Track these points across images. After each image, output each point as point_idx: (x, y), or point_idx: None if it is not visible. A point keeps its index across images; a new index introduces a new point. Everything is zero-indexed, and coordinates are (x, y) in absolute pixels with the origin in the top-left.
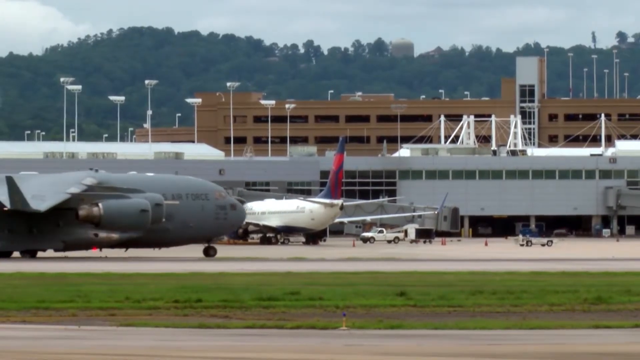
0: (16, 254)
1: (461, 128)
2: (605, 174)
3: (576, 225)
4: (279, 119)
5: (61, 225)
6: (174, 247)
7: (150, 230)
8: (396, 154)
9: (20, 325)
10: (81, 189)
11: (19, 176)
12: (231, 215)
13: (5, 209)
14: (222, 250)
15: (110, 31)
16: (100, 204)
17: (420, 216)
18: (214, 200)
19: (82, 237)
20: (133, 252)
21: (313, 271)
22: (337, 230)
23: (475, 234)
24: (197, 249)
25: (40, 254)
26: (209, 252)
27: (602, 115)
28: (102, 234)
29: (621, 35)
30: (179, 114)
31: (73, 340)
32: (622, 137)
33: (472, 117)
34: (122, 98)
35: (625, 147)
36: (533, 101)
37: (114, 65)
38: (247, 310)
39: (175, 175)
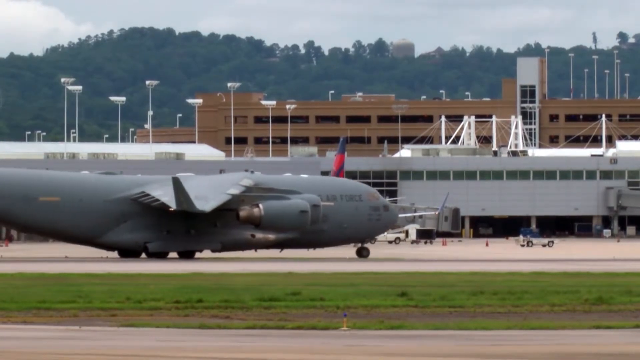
0: (173, 254)
1: (462, 128)
2: (606, 175)
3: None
4: (280, 120)
5: (218, 226)
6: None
7: (305, 231)
8: (397, 155)
9: (21, 325)
10: (240, 190)
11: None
12: (384, 216)
13: (170, 209)
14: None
15: (111, 31)
16: (260, 205)
17: (421, 217)
18: (368, 202)
19: (239, 238)
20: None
21: (314, 271)
22: None
23: (476, 235)
24: (349, 250)
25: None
26: (362, 253)
27: (603, 115)
28: (259, 235)
29: (622, 36)
30: (180, 115)
31: (74, 340)
32: (623, 137)
33: (472, 118)
34: (123, 98)
35: (626, 147)
36: (534, 101)
37: (115, 66)
38: (248, 310)
39: (328, 177)
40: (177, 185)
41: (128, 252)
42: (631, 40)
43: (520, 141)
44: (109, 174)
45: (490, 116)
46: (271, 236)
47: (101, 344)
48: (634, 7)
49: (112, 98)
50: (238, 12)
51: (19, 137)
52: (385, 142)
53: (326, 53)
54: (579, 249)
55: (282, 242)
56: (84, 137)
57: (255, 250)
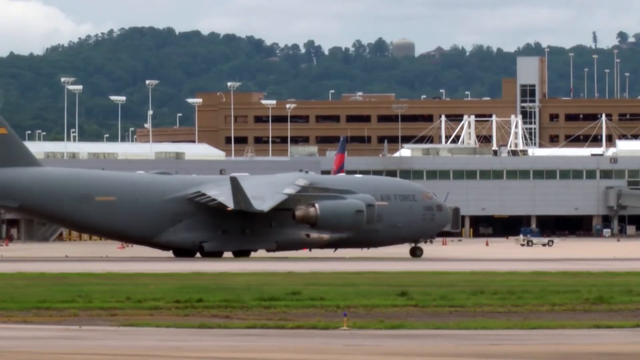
0: (227, 254)
1: (462, 128)
2: (606, 174)
3: (577, 226)
4: (280, 119)
5: (273, 226)
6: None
7: (360, 231)
8: (397, 154)
9: (21, 325)
10: (296, 189)
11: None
12: (437, 216)
13: (228, 209)
14: None
15: (111, 31)
16: (316, 205)
17: None
18: (421, 202)
19: (294, 238)
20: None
21: (314, 271)
22: None
23: (476, 234)
24: (403, 249)
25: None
26: (416, 253)
27: (603, 115)
28: (314, 235)
29: (622, 35)
30: (180, 114)
31: (74, 340)
32: (623, 137)
33: (472, 117)
34: (123, 98)
35: (626, 147)
36: (534, 101)
37: (115, 66)
38: (248, 310)
39: (382, 177)
40: (235, 185)
41: (183, 252)
42: (631, 39)
43: (520, 141)
44: (164, 174)
45: (490, 116)
46: (326, 236)
47: (101, 343)
48: (634, 7)
49: (112, 98)
50: (238, 12)
51: (19, 137)
52: (385, 141)
53: (326, 53)
54: (579, 249)
55: (336, 241)
56: (84, 136)
57: (310, 250)
